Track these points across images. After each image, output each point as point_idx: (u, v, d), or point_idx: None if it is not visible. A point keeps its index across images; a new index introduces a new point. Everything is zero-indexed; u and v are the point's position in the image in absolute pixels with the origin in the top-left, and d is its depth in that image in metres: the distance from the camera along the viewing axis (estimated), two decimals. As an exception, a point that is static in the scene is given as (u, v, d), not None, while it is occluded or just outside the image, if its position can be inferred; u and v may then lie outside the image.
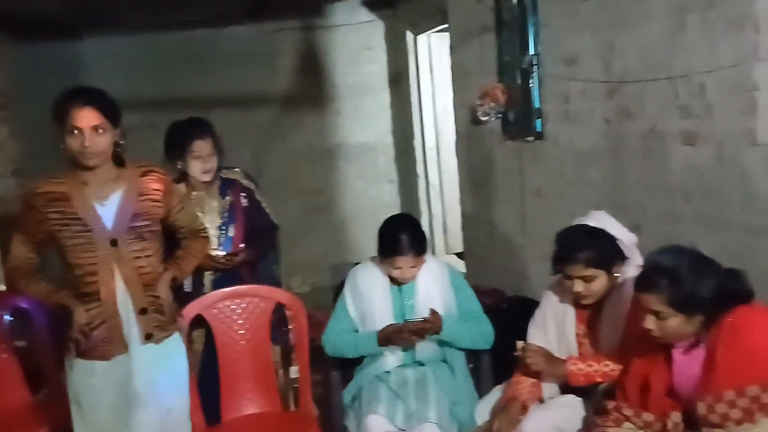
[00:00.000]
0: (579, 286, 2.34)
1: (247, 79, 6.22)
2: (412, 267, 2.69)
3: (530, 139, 3.82)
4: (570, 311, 2.48)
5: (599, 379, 2.33)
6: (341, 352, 2.78)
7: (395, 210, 6.64)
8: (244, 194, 3.13)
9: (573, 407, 2.39)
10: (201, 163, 2.98)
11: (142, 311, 2.29)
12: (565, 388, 2.45)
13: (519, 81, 3.85)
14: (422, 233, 2.76)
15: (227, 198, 3.09)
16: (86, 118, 2.17)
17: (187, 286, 2.91)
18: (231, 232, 3.04)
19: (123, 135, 2.31)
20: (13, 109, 4.75)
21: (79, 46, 5.97)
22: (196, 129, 3.04)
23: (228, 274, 2.99)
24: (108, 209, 2.26)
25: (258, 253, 3.12)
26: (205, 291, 2.95)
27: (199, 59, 6.14)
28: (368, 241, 6.13)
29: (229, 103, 5.91)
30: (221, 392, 2.82)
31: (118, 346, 2.28)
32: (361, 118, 6.54)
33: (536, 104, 3.71)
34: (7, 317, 3.09)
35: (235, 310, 2.88)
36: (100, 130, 2.19)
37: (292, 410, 3.11)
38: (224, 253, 2.97)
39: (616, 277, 2.35)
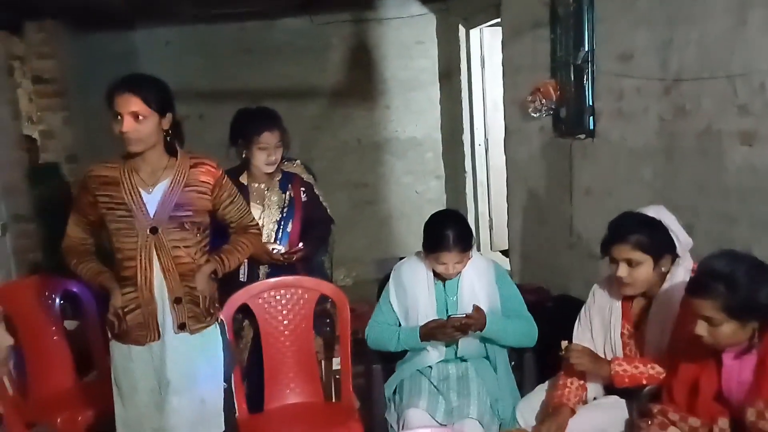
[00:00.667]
0: (623, 270, 2.28)
1: (298, 72, 6.26)
2: (458, 263, 2.66)
3: (581, 136, 3.76)
4: (617, 310, 2.43)
5: (644, 381, 2.28)
6: (383, 345, 2.77)
7: (441, 206, 6.61)
8: (304, 189, 3.12)
9: (617, 409, 2.35)
10: (266, 155, 2.96)
11: (177, 300, 2.32)
12: (610, 389, 2.41)
13: (572, 77, 3.78)
14: (469, 229, 2.73)
15: (287, 193, 3.07)
16: (126, 104, 2.21)
17: (242, 275, 2.94)
18: (289, 228, 3.02)
19: (174, 124, 2.33)
20: (67, 97, 4.86)
21: (133, 36, 6.09)
22: (265, 120, 3.01)
23: (282, 266, 2.98)
24: (153, 197, 2.30)
25: (313, 248, 3.11)
26: (259, 281, 2.96)
27: (250, 51, 6.21)
28: (413, 237, 6.14)
29: (279, 95, 5.94)
30: (265, 381, 2.84)
31: (152, 333, 2.32)
32: (411, 113, 6.52)
33: (589, 101, 3.64)
34: (58, 301, 3.17)
35: (280, 300, 2.90)
36: (140, 117, 2.22)
37: (334, 401, 3.12)
38: (283, 250, 2.96)
39: (663, 272, 2.29)
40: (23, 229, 4.03)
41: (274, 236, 2.99)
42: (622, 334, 2.42)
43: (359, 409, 2.88)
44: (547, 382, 2.57)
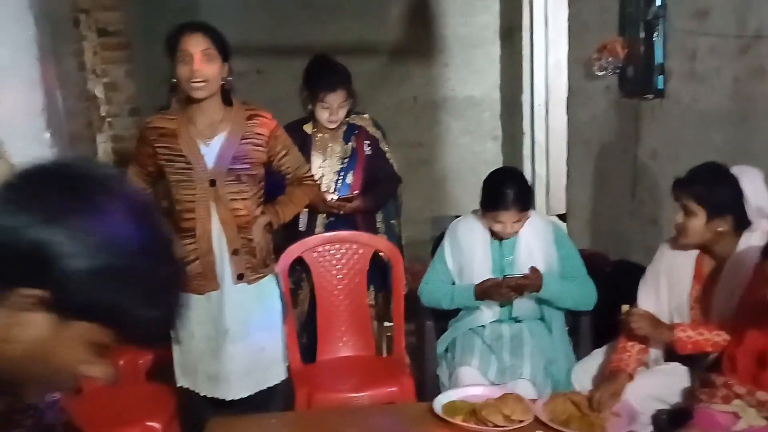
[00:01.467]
0: (679, 216, 2.25)
1: (356, 28, 6.18)
2: (516, 222, 2.62)
3: (649, 97, 3.62)
4: (688, 268, 2.34)
5: (709, 349, 2.21)
6: (436, 302, 2.76)
7: (497, 167, 6.51)
8: (368, 142, 3.10)
9: (676, 376, 2.29)
10: (328, 113, 2.97)
11: (235, 252, 2.35)
12: (671, 355, 2.35)
13: (641, 35, 3.64)
14: (528, 188, 2.69)
15: (350, 144, 3.06)
16: (195, 43, 2.22)
17: (302, 224, 2.96)
18: (349, 179, 3.03)
19: (230, 71, 2.34)
20: (129, 50, 4.91)
21: (196, -11, 6.10)
22: (329, 80, 2.98)
23: (342, 220, 2.99)
24: (211, 149, 2.32)
25: (374, 203, 3.10)
26: (317, 232, 2.98)
27: (309, 6, 6.15)
28: (468, 197, 6.07)
29: (336, 51, 5.88)
30: (318, 333, 2.88)
31: (211, 283, 2.35)
32: (469, 72, 6.39)
33: (659, 60, 3.50)
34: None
35: (335, 255, 2.91)
36: (209, 56, 2.22)
37: (385, 356, 3.14)
38: (337, 197, 2.97)
39: (718, 231, 2.22)
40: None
41: (333, 186, 3.01)
42: (690, 295, 2.34)
43: (410, 365, 2.89)
44: (604, 347, 2.53)
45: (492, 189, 2.65)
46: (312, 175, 2.66)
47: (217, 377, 2.41)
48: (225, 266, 2.36)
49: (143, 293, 0.86)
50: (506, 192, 2.58)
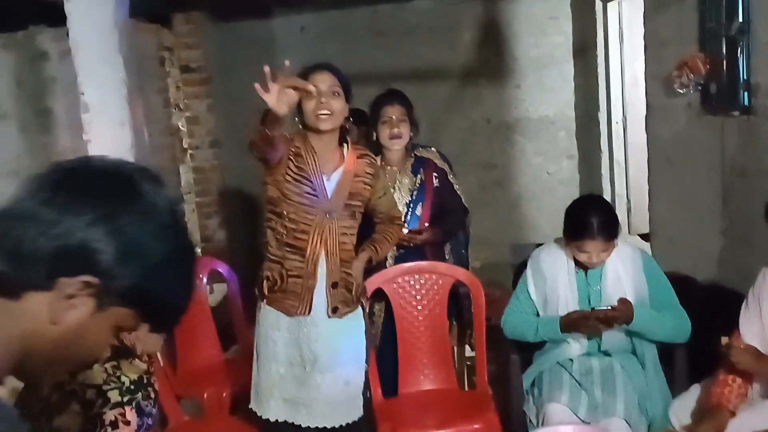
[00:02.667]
0: None
1: (428, 53, 6.23)
2: (602, 252, 2.53)
3: (735, 113, 3.49)
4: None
5: None
6: (521, 334, 2.71)
7: (574, 187, 6.40)
8: (436, 174, 3.13)
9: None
10: (388, 128, 3.01)
11: (334, 285, 2.39)
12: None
13: (724, 50, 3.52)
14: (614, 216, 2.60)
15: (419, 176, 3.10)
16: (323, 80, 2.33)
17: None
18: (418, 211, 3.06)
19: (350, 114, 2.45)
20: (212, 85, 5.08)
21: (270, 23, 6.27)
22: (386, 96, 3.11)
23: (412, 252, 3.01)
24: (331, 183, 2.39)
25: (443, 235, 3.11)
26: (387, 266, 3.00)
27: (382, 34, 6.24)
28: (544, 219, 6.03)
29: (410, 77, 5.95)
30: (399, 366, 2.87)
31: (304, 307, 2.38)
32: (542, 91, 6.33)
33: (744, 75, 3.38)
34: (204, 280, 3.33)
35: (414, 285, 2.92)
36: (336, 93, 2.33)
37: (467, 390, 3.10)
38: (407, 229, 2.99)
39: None
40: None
41: (403, 219, 3.01)
42: None
43: (492, 397, 2.85)
44: (703, 381, 2.42)
45: (576, 218, 2.58)
46: (401, 217, 2.72)
47: (297, 402, 2.42)
48: (321, 297, 2.39)
49: (175, 283, 0.97)
50: (591, 221, 2.50)
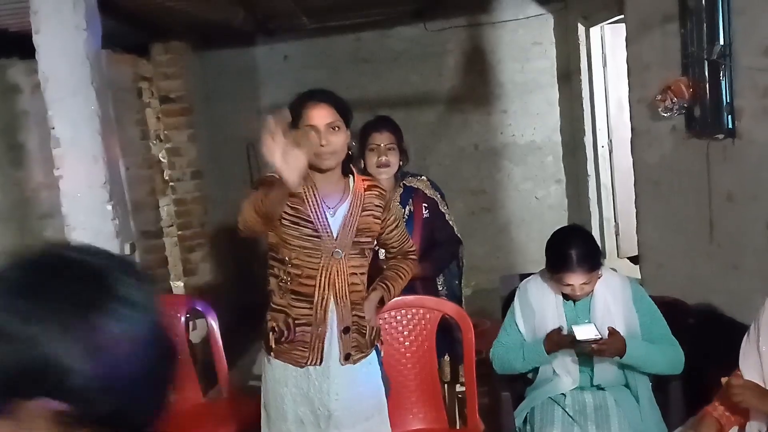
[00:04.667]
0: None
1: (413, 79, 6.22)
2: (585, 284, 2.46)
3: (720, 137, 3.46)
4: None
5: None
6: (509, 365, 2.63)
7: (562, 211, 6.37)
8: (426, 204, 3.03)
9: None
10: (376, 155, 2.90)
11: (346, 330, 2.21)
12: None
13: (706, 74, 3.50)
14: (595, 246, 2.52)
15: (407, 207, 3.00)
16: (323, 115, 2.15)
17: None
18: None
19: (353, 138, 2.28)
20: (193, 115, 5.03)
21: (253, 51, 6.25)
22: (374, 122, 3.00)
23: None
24: (335, 219, 2.20)
25: (433, 269, 3.00)
26: None
27: (366, 61, 6.23)
28: (533, 243, 5.97)
29: (396, 103, 5.93)
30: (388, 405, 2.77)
31: (315, 356, 2.20)
32: (529, 117, 6.32)
33: (727, 99, 3.35)
34: (183, 318, 3.23)
35: (401, 321, 2.83)
36: (335, 128, 2.16)
37: (459, 427, 3.00)
38: None
39: None
40: (151, 244, 4.20)
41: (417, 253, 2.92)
42: None
43: (484, 432, 2.76)
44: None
45: (555, 250, 2.51)
46: (415, 250, 2.50)
47: None
48: (333, 343, 2.20)
49: (151, 398, 0.84)
50: (570, 253, 2.43)
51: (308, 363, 2.21)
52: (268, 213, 2.01)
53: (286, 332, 2.19)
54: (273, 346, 2.22)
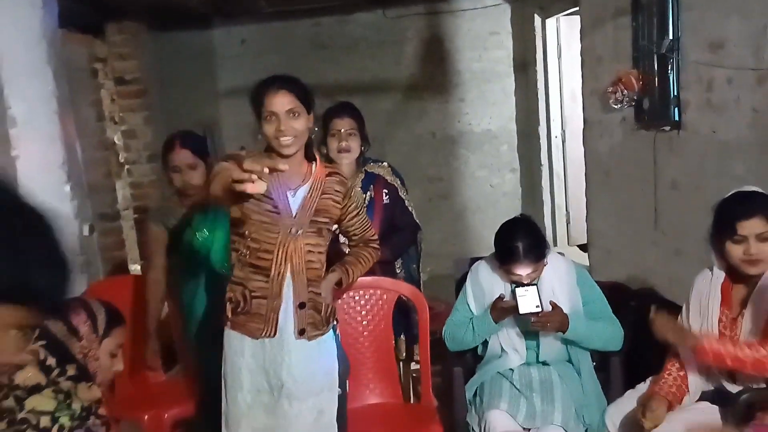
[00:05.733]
0: (754, 247, 2.17)
1: (372, 66, 6.26)
2: (532, 272, 2.58)
3: (666, 128, 3.60)
4: (715, 293, 2.32)
5: (728, 363, 2.13)
6: (460, 339, 2.72)
7: (516, 199, 6.50)
8: (386, 190, 3.09)
9: (708, 415, 2.25)
10: (336, 141, 2.97)
11: (301, 305, 2.27)
12: (705, 394, 2.32)
13: (656, 67, 3.63)
14: (541, 237, 2.63)
15: (368, 193, 3.06)
16: (282, 102, 2.18)
17: None
18: None
19: (315, 122, 2.31)
20: (148, 97, 4.99)
21: (210, 34, 6.22)
22: (336, 108, 3.05)
23: None
24: (295, 200, 2.27)
25: (392, 253, 3.05)
26: None
27: (325, 47, 6.25)
28: (488, 230, 6.00)
29: (353, 89, 5.96)
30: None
31: (269, 328, 2.26)
32: (485, 106, 6.42)
33: (674, 92, 3.48)
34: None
35: (359, 301, 2.90)
36: (295, 114, 2.19)
37: (412, 402, 3.09)
38: None
39: None
40: (108, 227, 4.17)
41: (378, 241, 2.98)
42: (719, 320, 2.30)
43: (437, 409, 2.85)
44: (637, 386, 2.48)
45: (503, 243, 2.61)
46: (377, 240, 2.57)
47: None
48: (288, 317, 2.27)
49: (42, 264, 1.02)
50: (517, 246, 2.54)
51: (263, 335, 2.27)
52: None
53: (242, 303, 2.26)
54: (230, 316, 2.29)
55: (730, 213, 2.24)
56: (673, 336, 2.27)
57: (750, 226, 2.18)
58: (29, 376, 1.69)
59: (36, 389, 1.68)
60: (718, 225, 2.28)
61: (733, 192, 2.33)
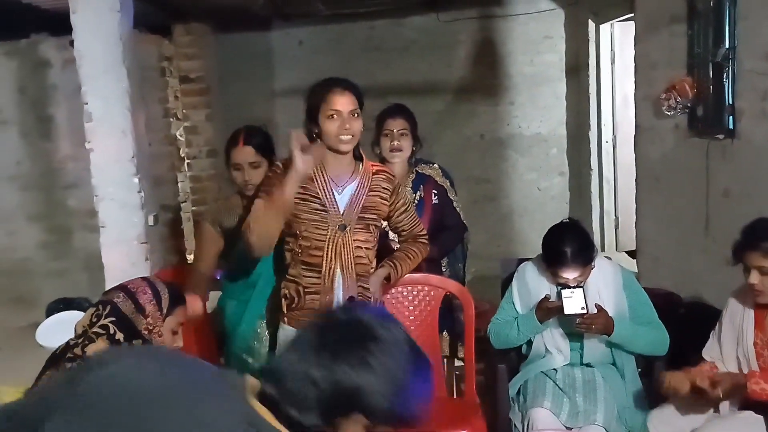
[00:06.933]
0: (754, 278, 2.22)
1: (424, 69, 6.33)
2: (578, 276, 2.61)
3: (720, 136, 3.60)
4: (749, 318, 2.35)
5: None
6: (505, 338, 2.78)
7: (564, 203, 6.51)
8: (436, 191, 3.19)
9: (751, 425, 2.27)
10: (389, 140, 3.07)
11: (350, 299, 2.37)
12: (745, 403, 2.33)
13: (710, 75, 3.63)
14: (589, 242, 2.67)
15: (418, 192, 3.15)
16: (346, 102, 2.30)
17: None
18: None
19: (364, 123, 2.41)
20: (210, 95, 5.17)
21: (269, 36, 6.37)
22: (390, 109, 3.16)
23: None
24: (343, 197, 2.38)
25: (439, 251, 3.13)
26: None
27: (378, 49, 6.35)
28: (534, 233, 6.08)
29: (404, 91, 6.05)
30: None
31: None
32: (536, 109, 6.44)
33: (729, 100, 3.48)
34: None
35: (407, 297, 2.98)
36: (356, 114, 2.31)
37: (456, 397, 3.17)
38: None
39: None
40: (170, 218, 4.35)
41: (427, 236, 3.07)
42: (755, 343, 2.33)
43: (480, 406, 2.92)
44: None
45: (550, 246, 2.65)
46: (426, 234, 2.65)
47: None
48: None
49: (418, 401, 1.23)
50: (565, 250, 2.58)
51: None
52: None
53: (296, 299, 2.37)
54: (285, 312, 2.41)
55: (742, 239, 2.29)
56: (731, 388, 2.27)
57: (752, 258, 2.23)
58: (100, 347, 1.85)
59: None
60: (734, 249, 2.32)
61: (758, 218, 2.35)
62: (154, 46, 4.45)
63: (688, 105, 3.88)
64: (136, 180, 3.25)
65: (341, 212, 2.35)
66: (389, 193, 2.45)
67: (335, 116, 2.29)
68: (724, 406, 2.37)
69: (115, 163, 3.19)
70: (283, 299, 2.40)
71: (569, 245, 2.58)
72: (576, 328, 2.61)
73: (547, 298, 2.65)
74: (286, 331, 2.42)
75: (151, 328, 1.96)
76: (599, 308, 2.58)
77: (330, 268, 2.35)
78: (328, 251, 2.34)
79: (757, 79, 3.23)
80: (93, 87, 3.09)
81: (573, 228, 2.73)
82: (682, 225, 4.17)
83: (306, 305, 2.37)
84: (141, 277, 2.10)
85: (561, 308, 2.58)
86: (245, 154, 2.68)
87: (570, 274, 2.60)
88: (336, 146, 2.33)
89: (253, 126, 2.84)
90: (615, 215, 6.03)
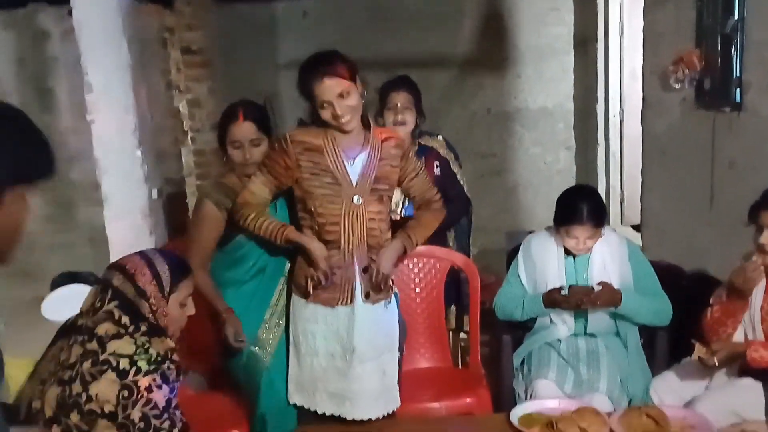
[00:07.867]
0: (766, 237, 2.24)
1: (430, 40, 6.26)
2: (589, 238, 2.64)
3: (726, 109, 3.56)
4: (759, 283, 2.34)
5: None
6: (510, 313, 2.80)
7: (570, 177, 6.47)
8: (438, 163, 3.16)
9: (752, 391, 2.29)
10: (392, 114, 3.04)
11: (365, 270, 2.36)
12: (744, 370, 2.34)
13: (719, 47, 3.58)
14: (603, 205, 2.70)
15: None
16: (330, 89, 2.22)
17: None
18: None
19: (365, 86, 2.34)
20: (213, 67, 5.12)
21: (273, 7, 6.30)
22: (393, 82, 3.12)
23: None
24: (354, 168, 2.34)
25: (444, 222, 3.10)
26: None
27: (384, 19, 6.27)
28: (540, 207, 6.10)
29: (410, 63, 5.98)
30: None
31: (345, 297, 2.35)
32: (542, 82, 6.38)
33: (736, 73, 3.44)
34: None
35: (413, 269, 2.99)
36: (347, 93, 2.24)
37: (461, 368, 3.19)
38: (403, 215, 3.03)
39: None
40: (174, 192, 4.34)
41: (400, 205, 3.06)
42: (761, 307, 2.34)
43: (485, 376, 2.93)
44: (683, 361, 2.53)
45: (566, 204, 2.67)
46: (440, 199, 2.60)
47: (343, 396, 2.38)
48: (356, 283, 2.36)
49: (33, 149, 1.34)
50: (581, 207, 2.60)
51: (339, 303, 2.37)
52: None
53: (324, 280, 2.32)
54: (311, 291, 2.35)
55: (761, 198, 2.30)
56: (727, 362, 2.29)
57: (766, 217, 2.23)
58: (109, 327, 1.85)
59: (116, 336, 1.83)
60: (751, 210, 2.32)
61: None
62: (155, 17, 4.40)
63: (696, 77, 3.83)
64: (139, 153, 3.24)
65: (354, 184, 2.33)
66: (399, 158, 2.42)
67: (325, 105, 2.26)
68: (721, 373, 2.38)
69: (118, 135, 3.17)
70: (309, 280, 2.34)
71: (586, 203, 2.61)
72: (583, 307, 2.63)
73: (559, 290, 2.66)
74: (301, 307, 2.41)
75: (155, 309, 1.93)
76: (603, 284, 2.60)
77: (349, 242, 2.33)
78: (344, 225, 2.32)
79: (766, 51, 3.19)
80: (93, 58, 3.06)
81: (590, 189, 2.81)
82: (688, 198, 4.14)
83: (329, 285, 2.35)
84: (138, 254, 2.00)
85: (569, 302, 2.60)
86: (245, 130, 2.51)
87: (582, 234, 2.61)
88: (339, 128, 2.30)
89: (250, 101, 2.68)
90: (621, 189, 6.00)
